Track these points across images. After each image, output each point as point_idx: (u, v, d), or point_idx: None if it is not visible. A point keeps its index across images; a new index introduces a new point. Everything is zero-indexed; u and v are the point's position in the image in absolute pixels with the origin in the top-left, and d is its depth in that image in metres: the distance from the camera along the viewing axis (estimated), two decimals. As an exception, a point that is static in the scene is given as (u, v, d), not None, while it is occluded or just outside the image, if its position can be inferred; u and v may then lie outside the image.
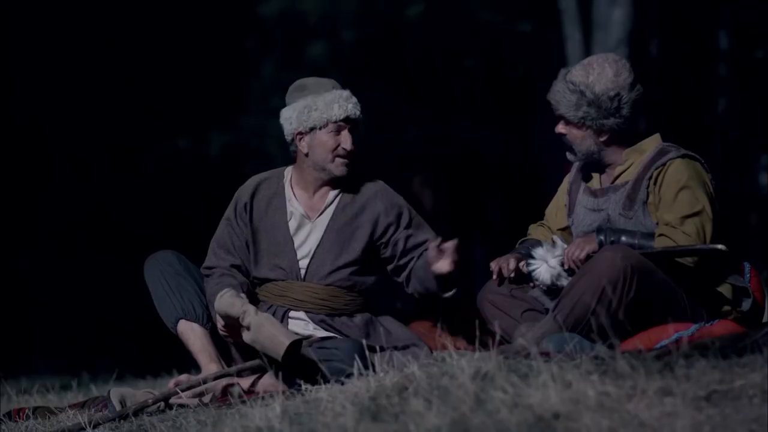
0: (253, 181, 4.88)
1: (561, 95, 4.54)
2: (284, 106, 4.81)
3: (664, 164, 4.47)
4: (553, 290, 4.53)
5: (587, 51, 11.48)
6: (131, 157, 14.75)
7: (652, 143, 4.58)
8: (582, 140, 4.57)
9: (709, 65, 14.56)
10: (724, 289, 4.48)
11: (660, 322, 4.29)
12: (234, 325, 4.52)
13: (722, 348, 3.51)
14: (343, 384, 4.00)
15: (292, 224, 4.75)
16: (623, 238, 4.40)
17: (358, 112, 4.72)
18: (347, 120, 4.71)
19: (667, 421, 3.04)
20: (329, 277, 4.72)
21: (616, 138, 4.56)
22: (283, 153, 12.59)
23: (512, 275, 4.62)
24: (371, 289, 4.81)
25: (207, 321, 4.70)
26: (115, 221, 14.78)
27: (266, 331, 4.40)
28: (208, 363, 4.65)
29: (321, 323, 4.70)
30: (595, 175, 4.66)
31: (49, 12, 14.43)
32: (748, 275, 4.57)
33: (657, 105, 12.89)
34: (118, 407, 4.45)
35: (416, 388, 3.51)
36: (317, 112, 4.69)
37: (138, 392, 4.60)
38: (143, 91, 14.58)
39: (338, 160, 4.70)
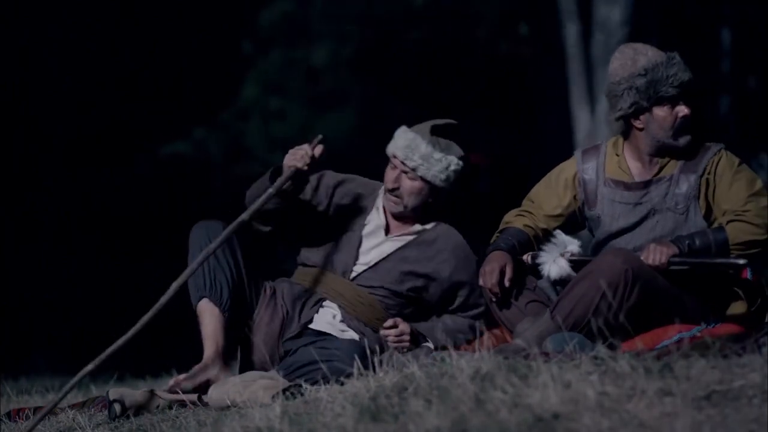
0: (349, 175, 4.88)
1: (683, 67, 4.48)
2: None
3: (715, 153, 4.49)
4: (560, 283, 4.52)
5: (587, 50, 11.48)
6: (130, 155, 14.74)
7: None
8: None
9: (711, 65, 14.55)
10: (730, 289, 4.46)
11: (662, 325, 4.28)
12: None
13: (722, 348, 3.51)
14: (343, 384, 4.00)
15: (367, 228, 4.75)
16: (697, 241, 4.34)
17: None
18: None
19: (667, 421, 3.05)
20: (377, 290, 4.71)
21: None
22: (281, 153, 12.60)
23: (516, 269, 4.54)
24: (405, 316, 4.74)
25: (228, 309, 4.64)
26: (116, 221, 14.77)
27: (248, 394, 4.31)
28: (211, 353, 4.58)
29: (351, 321, 4.67)
30: (618, 168, 4.56)
31: (50, 7, 14.43)
32: (750, 277, 4.57)
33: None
34: (117, 407, 4.45)
35: (416, 388, 3.52)
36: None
37: (138, 392, 4.59)
38: (141, 89, 14.57)
39: (389, 196, 4.69)
